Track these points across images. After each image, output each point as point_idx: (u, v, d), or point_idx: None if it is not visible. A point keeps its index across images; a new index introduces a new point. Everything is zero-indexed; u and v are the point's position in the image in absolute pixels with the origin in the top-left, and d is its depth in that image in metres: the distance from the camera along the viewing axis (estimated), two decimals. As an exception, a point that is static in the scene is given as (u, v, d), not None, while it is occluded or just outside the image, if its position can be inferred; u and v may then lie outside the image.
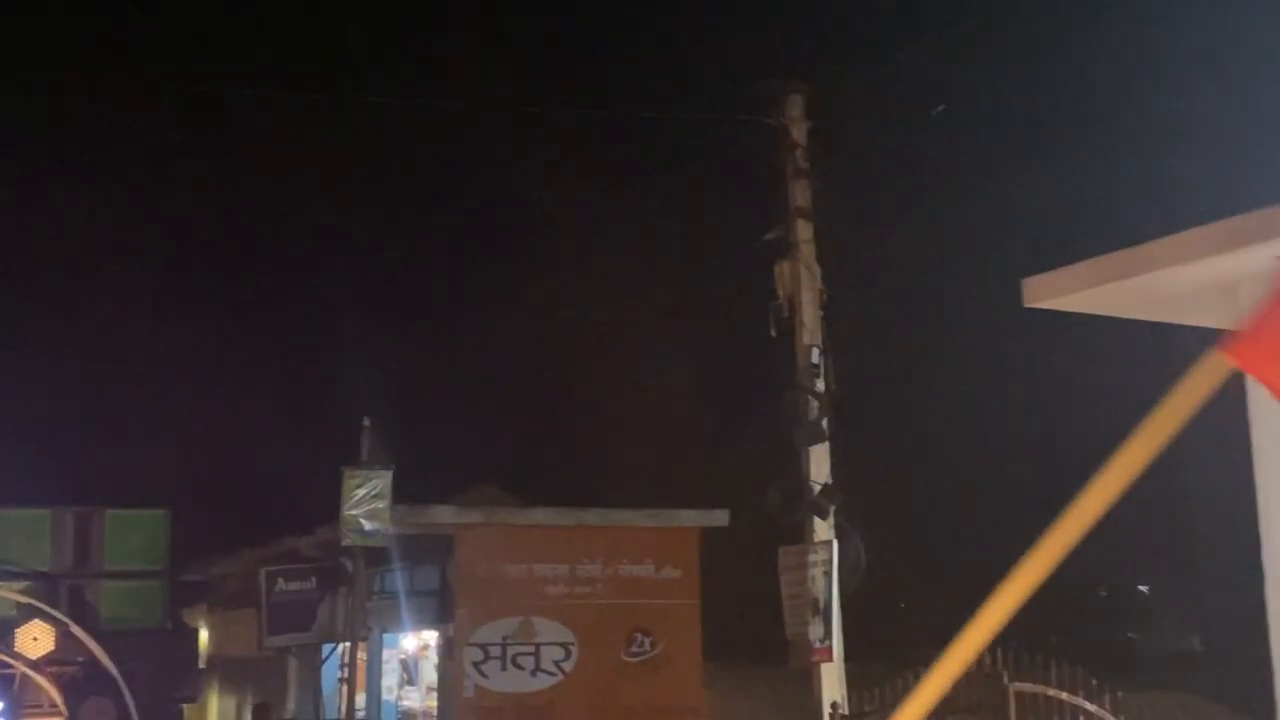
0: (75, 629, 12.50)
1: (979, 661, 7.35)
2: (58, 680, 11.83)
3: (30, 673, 11.79)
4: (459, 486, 15.55)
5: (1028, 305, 6.71)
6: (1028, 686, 8.07)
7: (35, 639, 12.01)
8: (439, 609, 13.33)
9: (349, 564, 13.00)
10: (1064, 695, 7.80)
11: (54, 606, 12.82)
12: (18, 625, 12.60)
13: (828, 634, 10.16)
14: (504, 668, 12.21)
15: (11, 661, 12.32)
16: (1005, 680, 8.24)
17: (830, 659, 10.24)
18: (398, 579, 13.35)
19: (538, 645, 12.40)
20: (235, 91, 22.00)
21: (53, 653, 12.57)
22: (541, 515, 13.35)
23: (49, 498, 13.48)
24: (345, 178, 29.78)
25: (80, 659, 12.56)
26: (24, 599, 12.96)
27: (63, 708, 11.34)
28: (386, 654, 14.62)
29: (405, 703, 14.84)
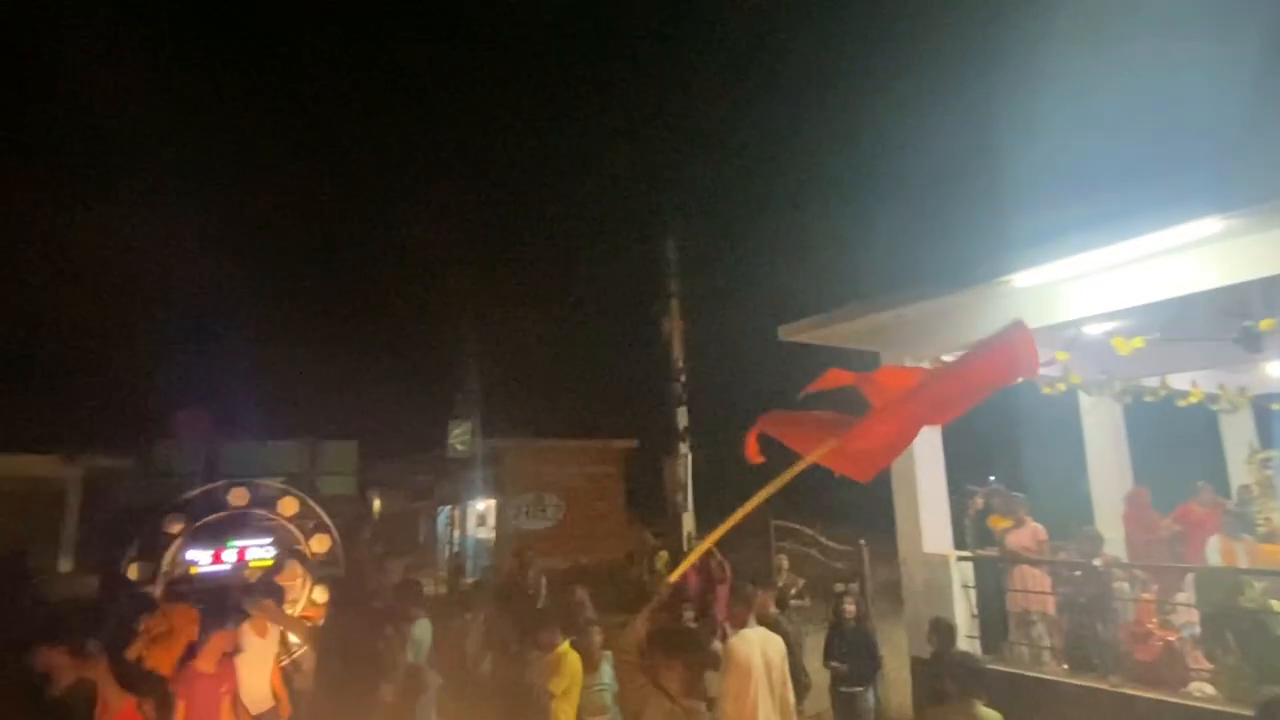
0: (309, 500, 23.17)
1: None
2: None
3: (286, 523, 23.22)
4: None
5: (783, 338, 11.60)
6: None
7: (288, 505, 23.12)
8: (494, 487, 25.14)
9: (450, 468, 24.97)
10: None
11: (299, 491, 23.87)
12: (277, 500, 22.98)
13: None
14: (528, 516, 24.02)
15: (276, 517, 23.14)
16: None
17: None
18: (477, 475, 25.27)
19: (546, 506, 24.17)
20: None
21: (296, 514, 23.23)
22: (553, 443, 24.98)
23: (296, 432, 25.32)
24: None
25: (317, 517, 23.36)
26: (283, 487, 23.77)
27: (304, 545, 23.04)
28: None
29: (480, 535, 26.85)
